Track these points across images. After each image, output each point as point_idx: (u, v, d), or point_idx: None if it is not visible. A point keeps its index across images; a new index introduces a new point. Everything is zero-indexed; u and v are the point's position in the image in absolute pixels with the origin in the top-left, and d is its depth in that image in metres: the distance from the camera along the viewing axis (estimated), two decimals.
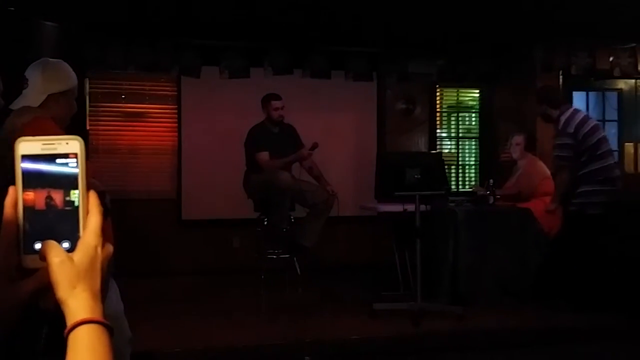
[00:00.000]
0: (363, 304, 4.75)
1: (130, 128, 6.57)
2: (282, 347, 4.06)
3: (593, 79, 7.00)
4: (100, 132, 6.45)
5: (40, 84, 2.63)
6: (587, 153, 4.88)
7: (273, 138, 5.59)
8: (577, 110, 5.11)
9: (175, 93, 6.63)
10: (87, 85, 6.22)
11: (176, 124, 6.62)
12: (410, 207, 4.69)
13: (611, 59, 6.77)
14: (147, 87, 6.61)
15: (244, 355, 3.99)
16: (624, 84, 7.30)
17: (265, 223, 5.59)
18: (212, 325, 4.55)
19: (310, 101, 6.73)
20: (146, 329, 3.96)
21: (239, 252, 6.43)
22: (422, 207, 4.66)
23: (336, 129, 6.90)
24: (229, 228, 6.55)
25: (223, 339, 4.20)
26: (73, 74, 2.75)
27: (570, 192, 4.96)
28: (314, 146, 5.48)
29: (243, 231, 6.32)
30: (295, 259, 5.61)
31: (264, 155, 5.50)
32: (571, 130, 4.88)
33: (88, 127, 6.25)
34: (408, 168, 4.54)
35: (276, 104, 5.60)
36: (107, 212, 0.82)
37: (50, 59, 2.77)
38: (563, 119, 4.95)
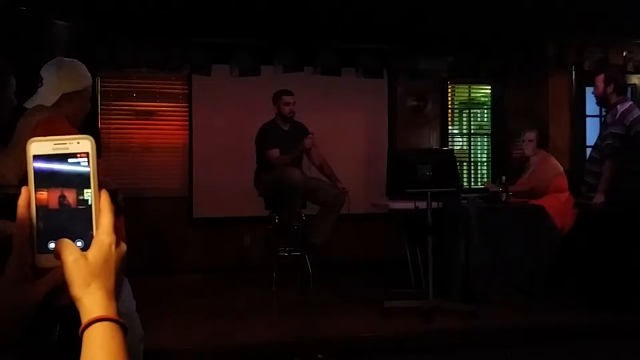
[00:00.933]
0: (374, 302, 4.73)
1: (142, 126, 6.59)
2: (293, 344, 4.05)
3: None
4: (112, 130, 6.48)
5: (55, 83, 2.64)
6: (632, 152, 4.76)
7: (283, 135, 5.59)
8: (634, 106, 4.96)
9: (186, 91, 6.65)
10: (99, 84, 6.25)
11: (187, 122, 6.64)
12: (422, 205, 4.67)
13: (624, 54, 6.71)
14: (158, 86, 6.62)
15: (256, 353, 3.99)
16: (637, 80, 7.22)
17: (276, 221, 5.60)
18: (224, 323, 4.55)
19: (320, 98, 6.71)
20: (158, 326, 3.97)
21: (250, 250, 6.44)
22: (434, 204, 4.63)
23: (347, 126, 6.89)
24: (240, 226, 6.56)
25: (234, 336, 4.20)
26: (88, 74, 2.76)
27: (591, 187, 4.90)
28: (310, 136, 5.50)
29: (254, 229, 6.32)
30: (306, 256, 5.61)
31: (275, 152, 5.50)
32: (627, 122, 4.77)
33: (100, 126, 6.28)
34: (419, 165, 4.51)
35: (287, 98, 5.61)
36: (120, 211, 0.82)
37: (66, 58, 2.78)
38: (621, 109, 4.82)
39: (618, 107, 4.84)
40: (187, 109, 6.64)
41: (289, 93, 5.64)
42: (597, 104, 5.24)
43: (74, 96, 2.68)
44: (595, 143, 5.13)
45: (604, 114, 6.77)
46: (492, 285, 4.99)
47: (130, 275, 2.62)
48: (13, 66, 2.72)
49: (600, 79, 4.96)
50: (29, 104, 2.64)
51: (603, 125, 5.05)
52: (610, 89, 4.89)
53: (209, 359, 3.93)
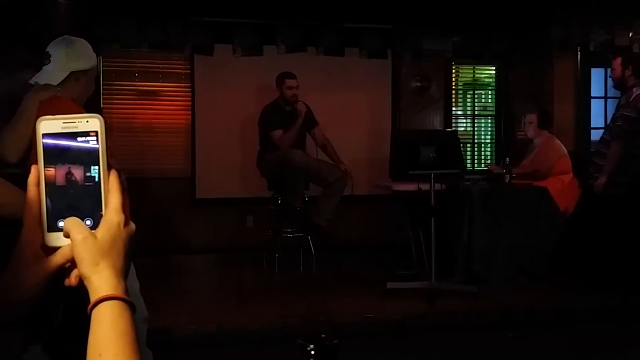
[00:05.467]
0: (377, 283, 4.74)
1: (144, 106, 6.56)
2: (296, 326, 4.06)
3: (611, 56, 6.87)
4: (114, 110, 6.45)
5: (64, 60, 2.65)
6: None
7: (286, 116, 5.56)
8: None
9: (189, 71, 6.60)
10: (101, 63, 6.21)
11: (190, 102, 6.61)
12: (425, 186, 4.66)
13: (630, 34, 6.64)
14: (161, 65, 6.58)
15: (258, 333, 4.01)
16: None
17: (279, 202, 5.59)
18: (226, 304, 4.57)
19: (323, 79, 6.67)
20: (161, 307, 3.99)
21: (253, 231, 6.44)
22: (437, 186, 4.62)
23: (350, 107, 6.85)
24: (243, 207, 6.56)
25: (237, 317, 4.22)
26: (94, 54, 2.78)
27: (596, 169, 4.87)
28: (300, 102, 5.48)
29: (257, 210, 6.32)
30: (309, 237, 5.61)
31: (278, 133, 5.47)
32: None
33: (102, 106, 6.26)
34: (423, 146, 4.49)
35: (290, 82, 5.57)
36: (123, 191, 0.83)
37: (73, 37, 2.78)
38: (636, 92, 4.75)
39: (634, 89, 4.78)
40: (190, 89, 6.60)
41: (292, 76, 5.59)
42: (615, 87, 5.18)
43: (81, 75, 2.70)
44: (608, 124, 5.10)
45: (610, 95, 6.74)
46: (494, 267, 4.99)
47: (133, 255, 2.62)
48: (30, 54, 2.70)
49: (617, 62, 4.91)
50: (36, 80, 2.63)
51: (617, 107, 5.01)
52: (628, 72, 4.83)
53: (212, 339, 3.95)
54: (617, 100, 5.29)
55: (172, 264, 6.02)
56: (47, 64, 2.65)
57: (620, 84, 4.98)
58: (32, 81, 2.65)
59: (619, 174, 4.74)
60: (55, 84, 2.62)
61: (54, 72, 2.62)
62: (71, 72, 2.64)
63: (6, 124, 2.60)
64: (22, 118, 2.58)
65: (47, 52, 2.67)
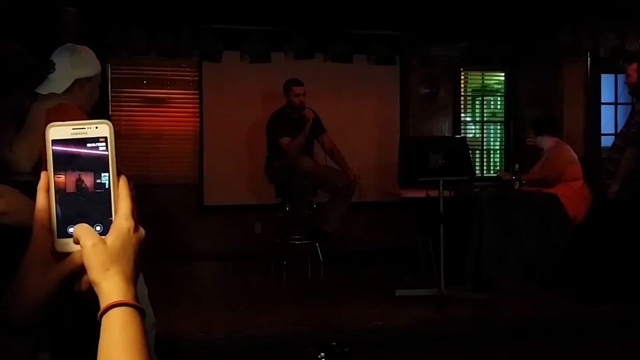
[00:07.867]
0: (385, 290, 4.73)
1: (152, 113, 6.58)
2: (304, 332, 4.04)
3: (622, 62, 6.83)
4: (122, 117, 6.47)
5: (68, 68, 2.67)
6: None
7: (293, 123, 5.56)
8: None
9: (197, 78, 6.62)
10: (109, 71, 6.24)
11: (198, 110, 6.62)
12: (434, 193, 4.64)
13: None
14: (169, 73, 6.60)
15: (266, 341, 3.99)
16: None
17: (287, 209, 5.58)
18: (234, 311, 4.56)
19: (331, 86, 6.67)
20: (169, 313, 3.98)
21: (261, 238, 6.43)
22: (446, 193, 4.60)
23: (358, 114, 6.84)
24: (251, 213, 6.56)
25: (245, 324, 4.20)
26: (97, 61, 2.80)
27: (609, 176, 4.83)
28: (307, 108, 5.48)
29: (265, 217, 6.31)
30: (317, 244, 5.60)
31: (285, 140, 5.48)
32: None
33: (110, 113, 6.28)
34: (431, 153, 4.47)
35: (297, 89, 5.57)
36: (133, 198, 0.82)
37: (76, 45, 2.79)
38: None
39: None
40: (198, 96, 6.62)
41: (300, 83, 5.60)
42: (630, 93, 5.13)
43: (86, 82, 2.72)
44: (621, 130, 5.05)
45: (620, 101, 6.70)
46: (504, 274, 4.96)
47: (142, 262, 2.61)
48: (41, 62, 2.71)
49: (633, 68, 4.86)
50: (41, 90, 2.64)
51: (631, 113, 4.97)
52: None
53: (220, 346, 3.94)
54: (628, 106, 5.25)
55: (180, 270, 6.02)
56: (52, 73, 2.66)
57: (635, 90, 4.92)
58: (38, 90, 2.65)
59: (632, 181, 4.70)
60: (60, 92, 2.63)
61: (58, 81, 2.64)
62: (76, 80, 2.66)
63: (17, 135, 2.61)
64: (32, 128, 2.58)
65: (52, 60, 2.69)
